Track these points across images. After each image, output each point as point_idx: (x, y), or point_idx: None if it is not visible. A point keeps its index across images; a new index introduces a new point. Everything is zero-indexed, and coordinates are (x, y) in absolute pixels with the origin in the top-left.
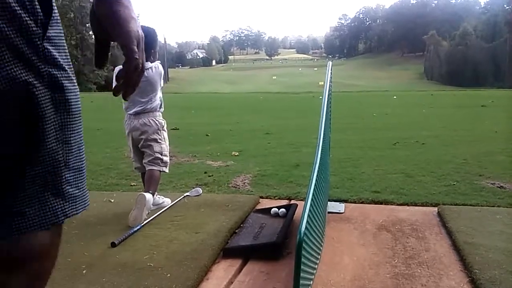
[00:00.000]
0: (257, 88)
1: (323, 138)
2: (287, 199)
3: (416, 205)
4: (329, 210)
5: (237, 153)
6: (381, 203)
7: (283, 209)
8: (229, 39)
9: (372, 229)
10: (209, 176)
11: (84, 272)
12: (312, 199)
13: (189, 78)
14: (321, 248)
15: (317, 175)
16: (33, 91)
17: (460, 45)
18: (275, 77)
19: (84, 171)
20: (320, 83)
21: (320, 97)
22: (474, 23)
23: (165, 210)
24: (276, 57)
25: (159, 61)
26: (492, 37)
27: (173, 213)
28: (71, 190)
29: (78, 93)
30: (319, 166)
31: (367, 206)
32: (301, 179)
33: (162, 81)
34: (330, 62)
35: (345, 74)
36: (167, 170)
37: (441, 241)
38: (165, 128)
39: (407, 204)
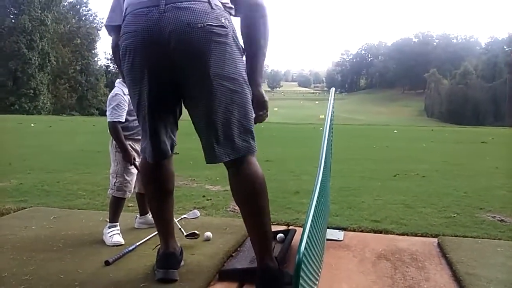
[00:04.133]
0: None
1: (324, 163)
2: (285, 225)
3: (416, 235)
4: (328, 237)
5: None
6: (380, 232)
7: (281, 234)
8: None
9: (372, 258)
10: (208, 200)
11: None
12: (312, 220)
13: None
14: (319, 274)
15: (317, 198)
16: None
17: (460, 84)
18: (276, 109)
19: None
20: (321, 116)
21: (321, 128)
22: (475, 62)
23: None
24: (278, 89)
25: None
26: (492, 77)
27: None
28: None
29: None
30: (319, 189)
31: (366, 235)
32: (300, 206)
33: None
34: (333, 88)
35: (346, 109)
36: (117, 194)
37: (441, 272)
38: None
39: (407, 234)
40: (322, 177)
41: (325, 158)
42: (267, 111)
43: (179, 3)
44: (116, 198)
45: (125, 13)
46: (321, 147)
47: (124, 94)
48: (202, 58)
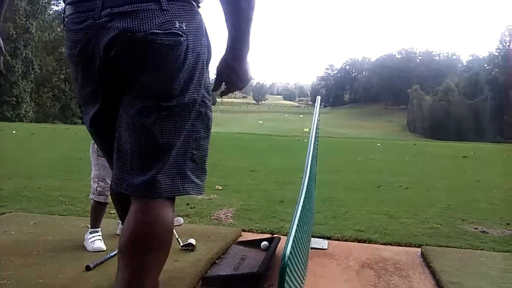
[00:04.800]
0: (243, 130)
1: (309, 170)
2: (270, 234)
3: (399, 245)
4: (312, 246)
5: (220, 187)
6: (364, 242)
7: (265, 242)
8: None
9: (355, 266)
10: (191, 208)
11: None
12: (297, 226)
13: None
14: (304, 281)
15: (302, 205)
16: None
17: (442, 100)
18: (261, 122)
19: (205, 168)
20: (305, 129)
21: (305, 141)
22: (457, 80)
23: None
24: (263, 102)
25: None
26: (473, 94)
27: None
28: (192, 177)
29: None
30: (305, 197)
31: (350, 244)
32: (285, 215)
33: None
34: (319, 97)
35: (331, 122)
36: (98, 199)
37: (425, 280)
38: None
39: (390, 244)
40: (307, 185)
41: (311, 165)
42: (243, 86)
43: (117, 8)
44: (98, 202)
45: (64, 11)
46: (307, 152)
47: None
48: (143, 74)
